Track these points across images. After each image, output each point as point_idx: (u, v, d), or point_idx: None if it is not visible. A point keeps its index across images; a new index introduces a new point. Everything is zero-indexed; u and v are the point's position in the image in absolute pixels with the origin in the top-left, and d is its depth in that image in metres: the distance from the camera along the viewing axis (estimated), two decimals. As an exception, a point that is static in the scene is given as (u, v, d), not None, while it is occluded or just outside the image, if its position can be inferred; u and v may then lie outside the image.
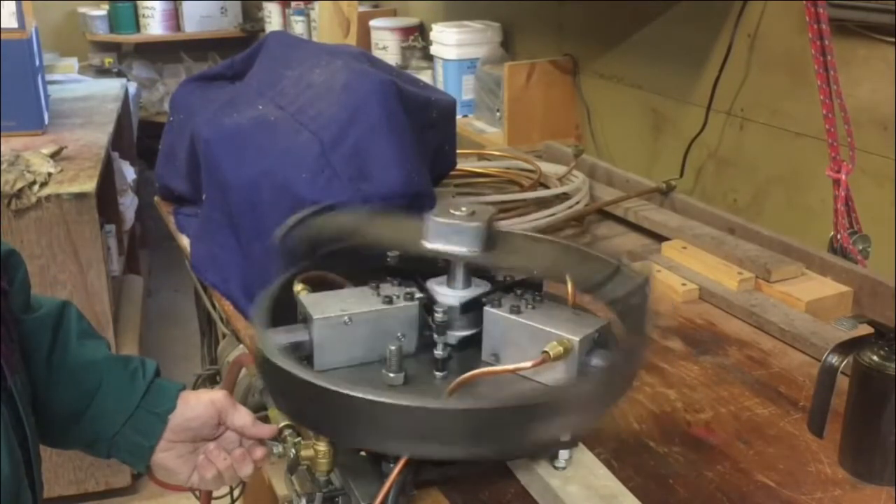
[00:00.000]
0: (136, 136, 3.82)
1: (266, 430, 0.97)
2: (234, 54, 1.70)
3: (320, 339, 0.92)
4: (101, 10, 4.38)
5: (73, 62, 3.91)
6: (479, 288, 0.98)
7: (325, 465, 0.91)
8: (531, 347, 0.89)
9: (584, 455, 0.93)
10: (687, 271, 1.43)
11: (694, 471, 0.96)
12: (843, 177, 1.40)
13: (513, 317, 0.92)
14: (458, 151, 1.57)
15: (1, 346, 0.87)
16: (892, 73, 1.56)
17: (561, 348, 0.86)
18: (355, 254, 1.05)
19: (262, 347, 0.86)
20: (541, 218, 1.55)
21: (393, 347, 0.89)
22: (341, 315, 0.92)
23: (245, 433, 0.98)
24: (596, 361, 0.89)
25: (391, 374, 0.89)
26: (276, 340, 0.89)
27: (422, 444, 0.80)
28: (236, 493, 1.68)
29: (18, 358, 0.92)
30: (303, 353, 0.92)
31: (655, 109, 2.17)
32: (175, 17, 4.44)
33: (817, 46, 1.35)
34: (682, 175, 1.98)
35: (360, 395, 0.78)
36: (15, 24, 2.48)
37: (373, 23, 3.18)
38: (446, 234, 0.93)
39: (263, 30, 4.12)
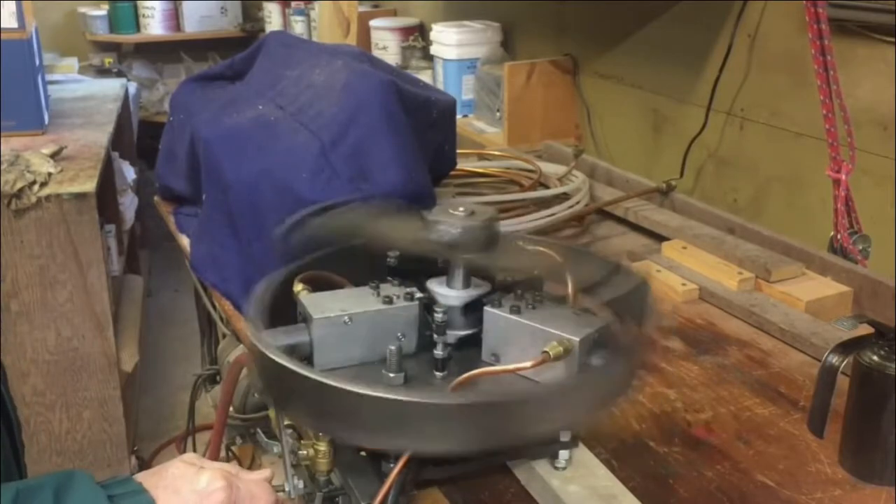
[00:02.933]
0: (136, 136, 3.82)
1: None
2: (234, 54, 1.70)
3: (320, 339, 0.92)
4: (101, 10, 4.38)
5: (73, 62, 3.91)
6: (479, 288, 0.98)
7: (325, 465, 0.91)
8: (531, 347, 0.89)
9: (584, 455, 0.93)
10: (687, 271, 1.43)
11: (694, 471, 0.96)
12: (843, 177, 1.40)
13: (513, 317, 0.92)
14: (458, 151, 1.57)
15: None
16: (892, 73, 1.56)
17: (561, 348, 0.86)
18: (355, 254, 1.06)
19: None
20: (541, 218, 1.55)
21: (393, 347, 0.89)
22: (341, 315, 0.92)
23: None
24: (596, 361, 0.89)
25: (391, 374, 0.89)
26: (277, 341, 0.89)
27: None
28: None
29: None
30: (302, 353, 0.92)
31: (655, 109, 2.17)
32: (175, 17, 4.44)
33: (817, 46, 1.35)
34: (682, 175, 1.98)
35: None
36: (15, 24, 2.48)
37: (373, 23, 3.18)
38: (446, 232, 0.93)
39: (263, 30, 4.12)
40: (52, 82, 3.17)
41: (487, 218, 0.94)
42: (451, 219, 0.92)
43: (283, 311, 0.96)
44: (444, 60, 2.67)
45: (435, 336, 0.92)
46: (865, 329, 0.94)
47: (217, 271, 1.38)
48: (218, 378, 1.81)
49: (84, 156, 2.52)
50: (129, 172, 3.25)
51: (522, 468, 0.93)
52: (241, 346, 1.42)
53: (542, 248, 1.03)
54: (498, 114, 2.46)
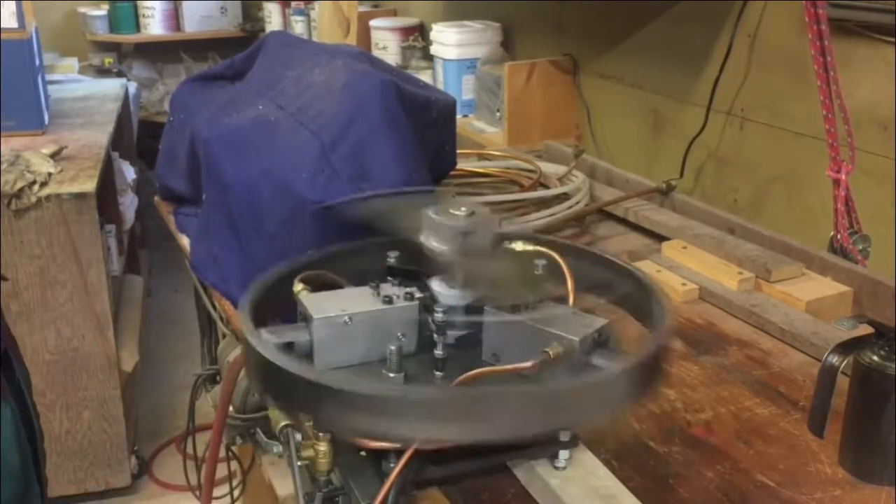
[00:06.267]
0: (136, 136, 3.82)
1: None
2: (234, 54, 1.70)
3: (320, 339, 0.92)
4: (101, 10, 4.38)
5: (73, 62, 3.92)
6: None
7: (325, 465, 0.91)
8: (531, 347, 0.89)
9: (584, 455, 0.93)
10: (687, 271, 1.43)
11: (694, 471, 0.96)
12: (843, 177, 1.40)
13: (513, 316, 0.92)
14: (458, 151, 1.57)
15: (4, 337, 0.86)
16: (892, 73, 1.56)
17: (561, 348, 0.86)
18: (355, 254, 1.06)
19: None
20: (541, 218, 1.55)
21: (393, 347, 0.89)
22: (341, 315, 0.92)
23: None
24: (597, 361, 0.89)
25: (391, 374, 0.89)
26: (275, 340, 0.89)
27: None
28: (236, 492, 1.68)
29: (19, 353, 0.92)
30: (301, 353, 0.92)
31: (655, 109, 2.17)
32: (175, 17, 4.44)
33: (817, 47, 1.35)
34: (682, 175, 1.98)
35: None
36: (15, 24, 2.48)
37: (373, 23, 3.18)
38: (434, 230, 0.93)
39: (263, 30, 4.12)
40: (52, 82, 3.18)
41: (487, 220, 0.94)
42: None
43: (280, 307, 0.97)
44: (444, 60, 2.67)
45: (435, 336, 0.92)
46: (865, 329, 0.94)
47: (217, 271, 1.38)
48: (218, 378, 1.81)
49: (84, 156, 2.53)
50: (129, 172, 3.25)
51: (522, 468, 0.93)
52: (241, 345, 1.42)
53: (541, 249, 1.03)
54: (498, 114, 2.46)
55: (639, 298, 0.97)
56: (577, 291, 0.97)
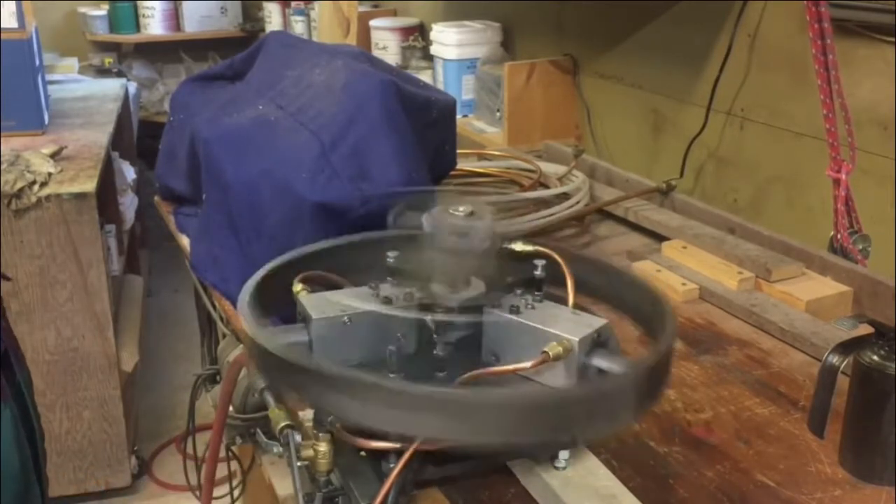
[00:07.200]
0: (136, 136, 3.82)
1: None
2: (234, 54, 1.70)
3: (319, 340, 0.92)
4: (101, 10, 4.38)
5: (73, 62, 3.92)
6: (478, 288, 0.98)
7: (324, 465, 0.91)
8: (531, 347, 0.89)
9: (584, 455, 0.93)
10: (687, 271, 1.42)
11: (694, 471, 0.96)
12: (844, 176, 1.40)
13: (512, 317, 0.92)
14: (458, 151, 1.57)
15: (5, 338, 0.87)
16: (892, 73, 1.56)
17: (560, 348, 0.86)
18: (355, 253, 1.06)
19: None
20: (541, 218, 1.55)
21: (392, 347, 0.89)
22: (341, 315, 0.92)
23: None
24: (596, 362, 0.89)
25: (391, 375, 0.89)
26: (276, 341, 0.89)
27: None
28: (236, 492, 1.68)
29: (21, 353, 0.92)
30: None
31: (655, 109, 2.17)
32: (175, 17, 4.44)
33: (818, 46, 1.35)
34: (682, 175, 1.98)
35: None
36: (15, 24, 2.48)
37: (373, 23, 3.18)
38: (434, 229, 0.93)
39: (263, 30, 4.12)
40: (52, 82, 3.18)
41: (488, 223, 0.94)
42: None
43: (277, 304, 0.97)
44: (444, 60, 2.67)
45: (434, 336, 0.92)
46: (865, 329, 0.94)
47: (217, 271, 1.38)
48: (218, 378, 1.81)
49: (84, 156, 2.53)
50: (129, 172, 3.26)
51: (522, 468, 0.93)
52: (241, 345, 1.42)
53: (541, 249, 1.03)
54: (498, 114, 2.46)
55: (640, 303, 0.97)
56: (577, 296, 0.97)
